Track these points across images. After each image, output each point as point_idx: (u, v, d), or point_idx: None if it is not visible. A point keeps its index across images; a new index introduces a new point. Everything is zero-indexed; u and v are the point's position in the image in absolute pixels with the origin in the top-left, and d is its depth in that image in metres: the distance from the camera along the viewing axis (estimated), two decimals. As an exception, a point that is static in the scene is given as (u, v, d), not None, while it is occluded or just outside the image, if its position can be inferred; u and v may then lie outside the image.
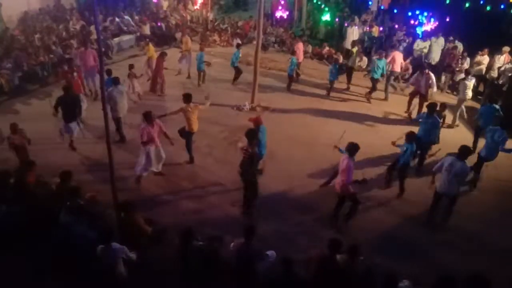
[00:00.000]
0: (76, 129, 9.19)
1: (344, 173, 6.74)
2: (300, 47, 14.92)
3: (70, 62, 11.34)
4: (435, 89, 11.82)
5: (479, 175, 8.53)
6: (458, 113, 11.56)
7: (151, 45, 13.89)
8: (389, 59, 13.21)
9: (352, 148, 6.83)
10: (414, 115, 11.54)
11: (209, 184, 8.40)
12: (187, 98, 8.65)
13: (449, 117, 11.56)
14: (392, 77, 13.69)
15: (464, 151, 6.89)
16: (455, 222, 7.50)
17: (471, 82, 11.38)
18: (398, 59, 13.35)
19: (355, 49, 14.73)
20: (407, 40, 16.39)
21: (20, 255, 5.88)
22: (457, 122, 11.64)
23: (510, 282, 5.87)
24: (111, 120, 8.71)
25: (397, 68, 13.46)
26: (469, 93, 11.43)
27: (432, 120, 8.76)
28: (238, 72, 13.96)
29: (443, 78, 14.29)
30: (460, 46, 14.54)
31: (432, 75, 11.57)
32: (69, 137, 9.23)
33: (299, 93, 13.71)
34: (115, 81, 9.67)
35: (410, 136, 7.81)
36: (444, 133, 9.73)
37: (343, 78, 14.34)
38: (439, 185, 7.09)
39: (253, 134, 7.14)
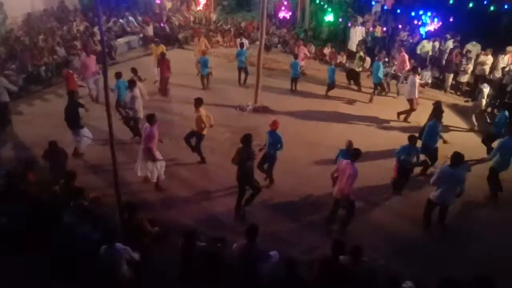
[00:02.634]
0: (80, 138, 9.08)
1: (349, 179, 6.71)
2: (301, 48, 14.92)
3: (68, 64, 11.59)
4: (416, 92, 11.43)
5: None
6: (473, 118, 11.41)
7: (160, 46, 13.71)
8: (400, 60, 13.52)
9: (355, 154, 6.85)
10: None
11: (212, 185, 8.41)
12: (198, 102, 8.75)
13: (452, 118, 11.57)
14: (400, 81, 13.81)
15: (457, 158, 6.83)
16: (456, 223, 7.52)
17: (487, 89, 11.22)
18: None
19: (361, 54, 14.67)
20: (410, 41, 16.37)
21: (23, 255, 5.91)
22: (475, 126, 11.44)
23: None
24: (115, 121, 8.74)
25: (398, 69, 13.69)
26: (483, 101, 11.31)
27: (431, 124, 8.74)
28: (246, 73, 13.98)
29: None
30: (478, 48, 14.36)
31: (414, 79, 11.34)
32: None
33: (302, 94, 13.70)
34: (133, 84, 9.76)
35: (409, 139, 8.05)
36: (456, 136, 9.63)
37: (345, 79, 14.35)
38: (437, 196, 7.00)
39: (248, 139, 7.13)
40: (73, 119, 8.88)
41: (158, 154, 7.97)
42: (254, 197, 7.46)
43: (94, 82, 12.01)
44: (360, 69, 14.36)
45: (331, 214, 7.21)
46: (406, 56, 13.85)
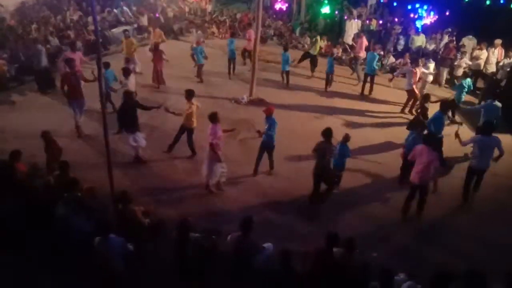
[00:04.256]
0: (139, 140, 8.45)
1: (429, 164, 6.89)
2: (251, 34, 14.75)
3: (70, 63, 9.66)
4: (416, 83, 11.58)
5: None
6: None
7: (129, 40, 13.22)
8: (359, 44, 14.46)
9: (429, 140, 7.16)
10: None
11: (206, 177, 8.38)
12: (189, 94, 8.58)
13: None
14: (358, 62, 14.52)
15: (488, 127, 7.55)
16: (451, 217, 7.61)
17: (432, 64, 12.50)
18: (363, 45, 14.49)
19: (318, 37, 15.15)
20: (404, 33, 16.51)
21: (17, 248, 5.87)
22: None
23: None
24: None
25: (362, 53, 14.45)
26: (430, 77, 12.40)
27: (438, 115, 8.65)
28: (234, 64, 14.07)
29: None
30: (474, 42, 14.58)
31: (410, 69, 11.46)
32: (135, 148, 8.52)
33: (297, 86, 13.69)
34: (128, 71, 9.64)
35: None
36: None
37: (341, 72, 14.34)
38: (476, 163, 7.60)
39: (329, 134, 7.12)
40: (130, 121, 8.25)
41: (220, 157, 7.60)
42: (330, 193, 7.47)
43: None
44: (315, 52, 14.67)
45: (408, 201, 7.34)
46: (365, 41, 14.55)
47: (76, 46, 11.61)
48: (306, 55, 14.91)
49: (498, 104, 9.25)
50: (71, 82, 9.27)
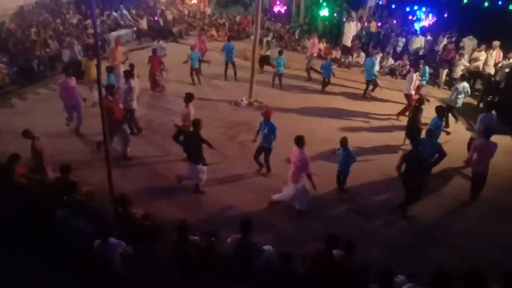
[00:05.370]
0: (201, 173, 7.79)
1: (489, 155, 7.67)
2: (203, 38, 15.23)
3: (111, 89, 8.68)
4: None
5: None
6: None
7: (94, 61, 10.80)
8: (310, 44, 15.75)
9: (491, 132, 7.70)
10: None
11: (206, 180, 8.38)
12: (189, 97, 8.66)
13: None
14: (312, 61, 14.91)
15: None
16: (452, 217, 7.61)
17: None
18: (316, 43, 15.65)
19: (266, 39, 15.83)
20: (403, 35, 16.56)
21: (17, 249, 5.87)
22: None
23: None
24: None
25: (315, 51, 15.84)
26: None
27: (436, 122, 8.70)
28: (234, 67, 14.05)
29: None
30: (474, 42, 14.78)
31: (413, 75, 11.39)
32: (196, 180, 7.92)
33: (295, 88, 13.72)
34: (130, 74, 9.68)
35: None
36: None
37: (341, 74, 14.37)
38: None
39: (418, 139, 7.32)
40: (196, 152, 7.67)
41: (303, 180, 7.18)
42: (409, 203, 7.44)
43: (77, 111, 9.78)
44: (268, 52, 15.12)
45: (480, 187, 8.01)
46: (316, 41, 15.83)
47: (70, 71, 9.98)
48: (263, 58, 14.93)
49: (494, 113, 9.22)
50: (110, 108, 8.22)
